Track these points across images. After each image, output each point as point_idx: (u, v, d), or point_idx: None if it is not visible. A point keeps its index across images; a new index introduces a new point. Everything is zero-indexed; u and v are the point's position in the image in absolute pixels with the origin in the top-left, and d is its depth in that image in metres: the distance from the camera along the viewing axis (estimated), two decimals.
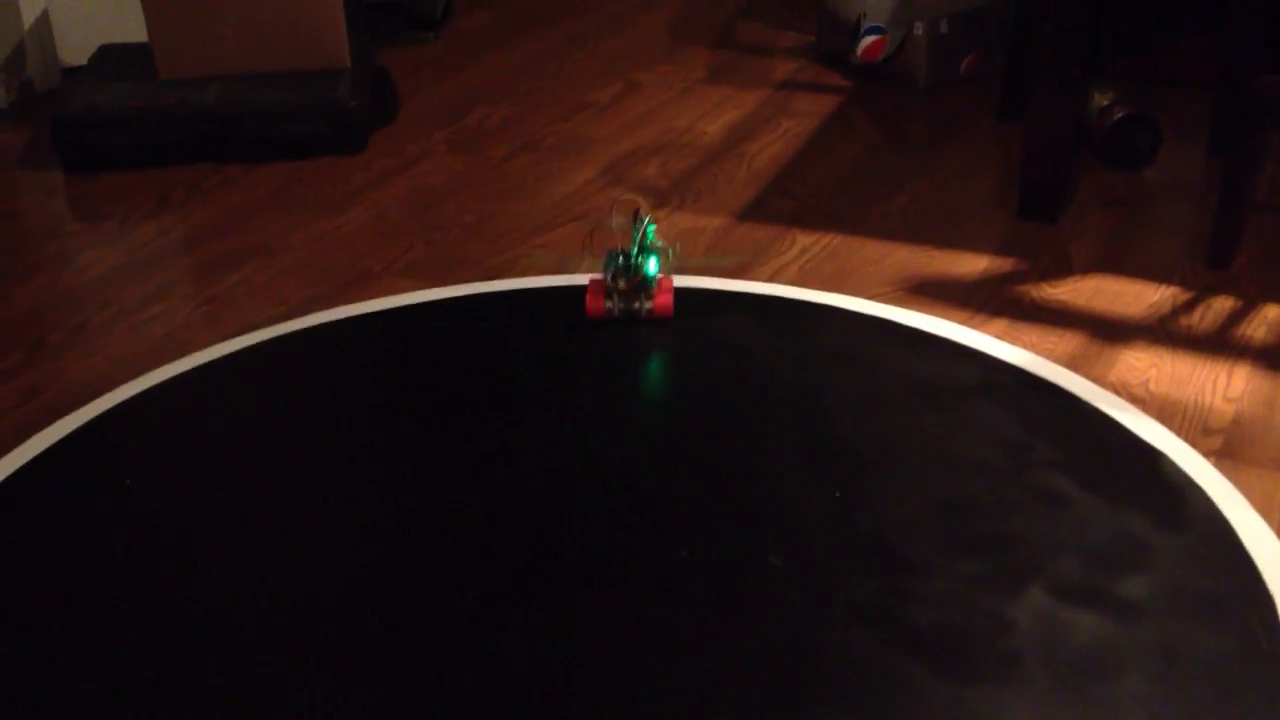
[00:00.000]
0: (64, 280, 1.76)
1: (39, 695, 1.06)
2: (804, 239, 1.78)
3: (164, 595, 1.17)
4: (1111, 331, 1.55)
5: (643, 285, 1.56)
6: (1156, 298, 1.61)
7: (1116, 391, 1.43)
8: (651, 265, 1.55)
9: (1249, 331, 1.54)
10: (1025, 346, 1.51)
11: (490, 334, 1.58)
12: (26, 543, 1.24)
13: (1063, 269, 1.69)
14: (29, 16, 2.31)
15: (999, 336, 1.53)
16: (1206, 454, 1.32)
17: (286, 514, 1.27)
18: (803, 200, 1.89)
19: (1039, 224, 1.79)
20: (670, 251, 1.58)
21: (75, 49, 2.34)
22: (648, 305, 1.56)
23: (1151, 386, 1.44)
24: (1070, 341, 1.53)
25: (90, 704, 1.05)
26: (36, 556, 1.22)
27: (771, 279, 1.68)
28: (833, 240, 1.78)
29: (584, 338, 1.55)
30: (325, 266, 1.77)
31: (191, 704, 1.05)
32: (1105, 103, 1.94)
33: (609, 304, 1.57)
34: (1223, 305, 1.59)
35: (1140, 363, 1.48)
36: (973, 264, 1.70)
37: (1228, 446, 1.34)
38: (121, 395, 1.48)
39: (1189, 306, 1.59)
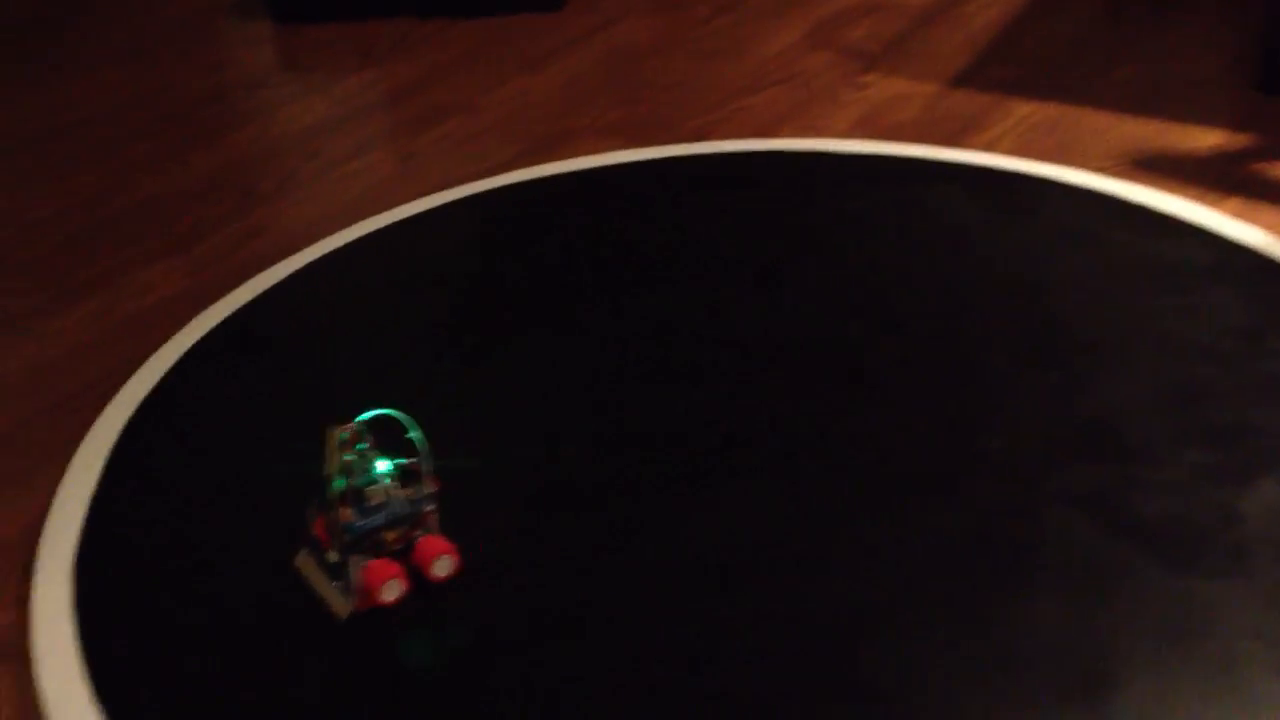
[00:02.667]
0: (273, 130, 1.79)
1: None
2: (1022, 108, 1.69)
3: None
4: None
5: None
6: None
7: None
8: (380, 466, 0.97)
9: None
10: (1262, 227, 1.42)
11: (692, 197, 1.54)
12: (246, 375, 1.28)
13: None
14: None
15: (1233, 216, 1.44)
16: None
17: (476, 372, 1.28)
18: (1022, 68, 1.80)
19: (1278, 97, 1.67)
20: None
21: None
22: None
23: None
24: None
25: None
26: (255, 387, 1.26)
27: (987, 149, 1.61)
28: (1053, 111, 1.68)
29: (789, 206, 1.51)
30: (525, 124, 1.75)
31: None
32: None
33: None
34: None
35: None
36: (1205, 139, 1.60)
37: None
38: (328, 246, 1.50)
39: None
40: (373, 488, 0.96)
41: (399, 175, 1.66)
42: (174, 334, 1.35)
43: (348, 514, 0.95)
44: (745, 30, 1.97)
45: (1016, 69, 1.79)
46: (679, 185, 1.57)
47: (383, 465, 0.97)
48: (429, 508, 0.99)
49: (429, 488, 0.98)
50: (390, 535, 0.97)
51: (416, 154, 1.71)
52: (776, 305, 1.33)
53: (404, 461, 0.97)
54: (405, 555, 0.99)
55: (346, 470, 0.95)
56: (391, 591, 0.97)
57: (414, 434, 0.98)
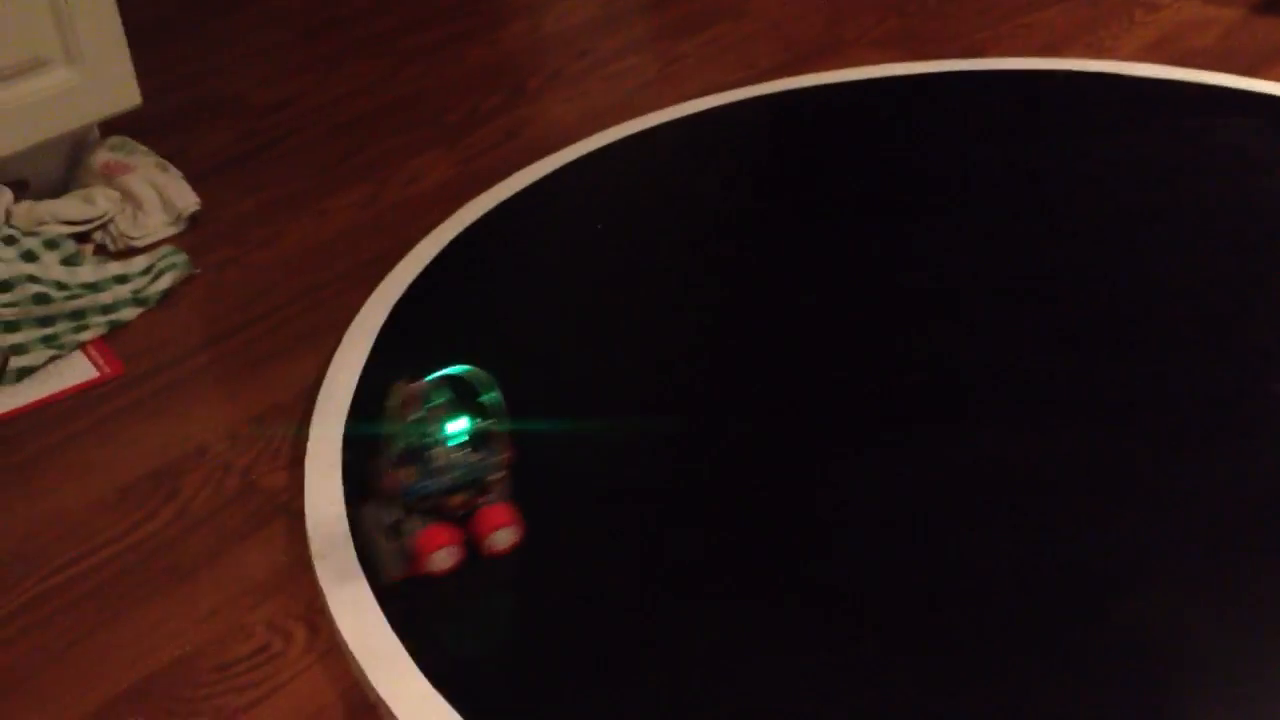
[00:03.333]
0: (543, 27, 1.80)
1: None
2: None
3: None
4: None
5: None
6: None
7: None
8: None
9: None
10: None
11: (964, 118, 1.48)
12: (500, 267, 1.29)
13: None
14: None
15: None
16: None
17: (709, 282, 1.26)
18: None
19: None
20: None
21: None
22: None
23: None
24: None
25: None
26: (505, 281, 1.27)
27: None
28: None
29: (1067, 129, 1.43)
30: (794, 33, 1.71)
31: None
32: None
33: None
34: None
35: None
36: None
37: None
38: (587, 147, 1.50)
39: None
40: (437, 449, 0.89)
41: (663, 78, 1.64)
42: (440, 222, 1.37)
43: (408, 474, 0.90)
44: None
45: None
46: (952, 103, 1.51)
47: (456, 426, 0.89)
48: (496, 475, 0.92)
49: (500, 454, 0.91)
50: (454, 500, 0.91)
51: (681, 57, 1.69)
52: (1026, 239, 1.27)
53: (481, 423, 0.90)
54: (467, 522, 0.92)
55: (411, 429, 0.89)
56: (441, 562, 0.91)
57: (487, 396, 0.91)
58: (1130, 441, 1.02)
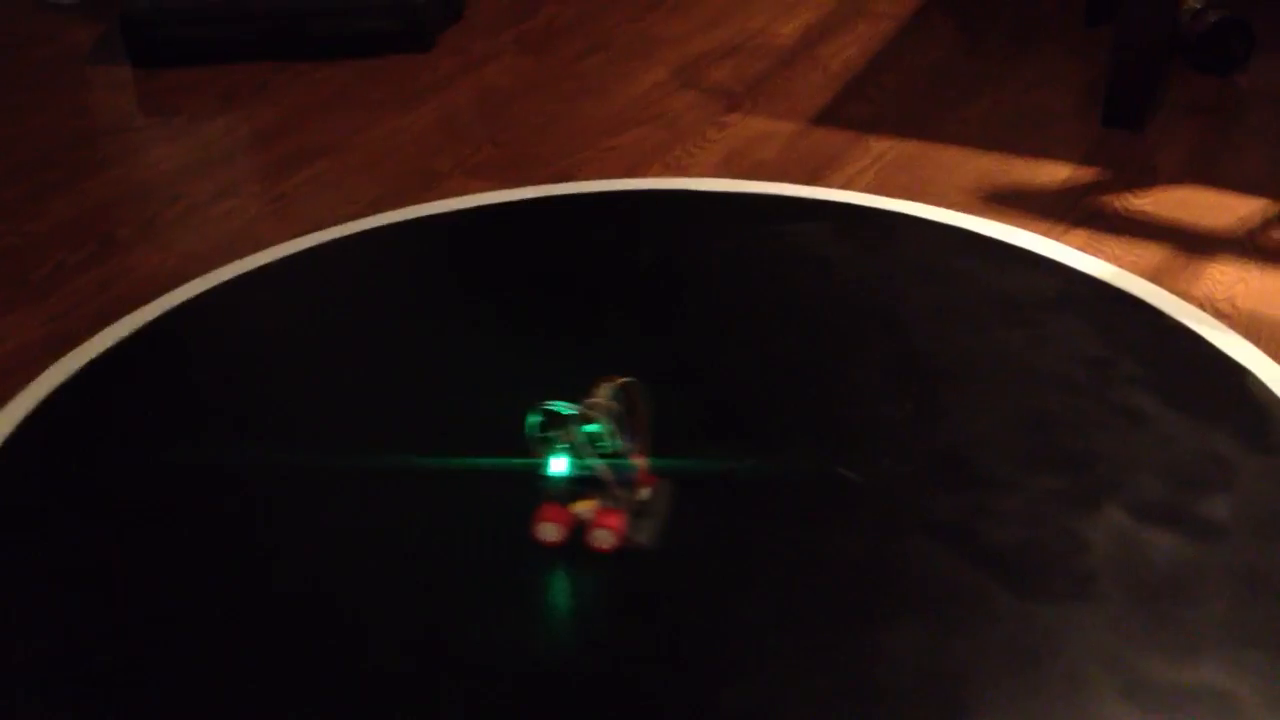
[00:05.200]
0: (134, 175, 1.76)
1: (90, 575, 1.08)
2: (879, 145, 1.74)
3: (225, 492, 1.17)
4: (1198, 244, 1.50)
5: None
6: (1245, 210, 1.56)
7: (1202, 306, 1.39)
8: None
9: None
10: (1108, 259, 1.47)
11: (559, 237, 1.56)
12: (96, 429, 1.25)
13: (1149, 179, 1.63)
14: None
15: (1081, 248, 1.49)
16: None
17: (346, 411, 1.27)
18: (879, 105, 1.85)
19: (1125, 132, 1.74)
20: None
21: None
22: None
23: (1238, 302, 1.40)
24: (1155, 254, 1.48)
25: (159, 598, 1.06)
26: (106, 442, 1.23)
27: (846, 186, 1.65)
28: (910, 147, 1.73)
29: (656, 242, 1.53)
30: (394, 166, 1.75)
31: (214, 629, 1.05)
32: (1198, 6, 1.86)
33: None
34: None
35: (1227, 277, 1.44)
36: (1055, 173, 1.66)
37: None
38: (193, 290, 1.48)
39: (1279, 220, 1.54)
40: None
41: (265, 217, 1.64)
42: (26, 384, 1.31)
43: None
44: (613, 70, 1.99)
45: (874, 107, 1.84)
46: (549, 224, 1.58)
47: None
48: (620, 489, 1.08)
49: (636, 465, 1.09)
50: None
51: (282, 196, 1.69)
52: (636, 342, 1.35)
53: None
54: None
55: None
56: (547, 534, 1.08)
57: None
58: (710, 525, 1.09)
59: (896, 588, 1.04)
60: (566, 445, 1.07)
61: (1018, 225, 1.54)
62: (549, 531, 1.08)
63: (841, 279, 1.44)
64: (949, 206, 1.58)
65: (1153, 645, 0.98)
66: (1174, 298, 1.40)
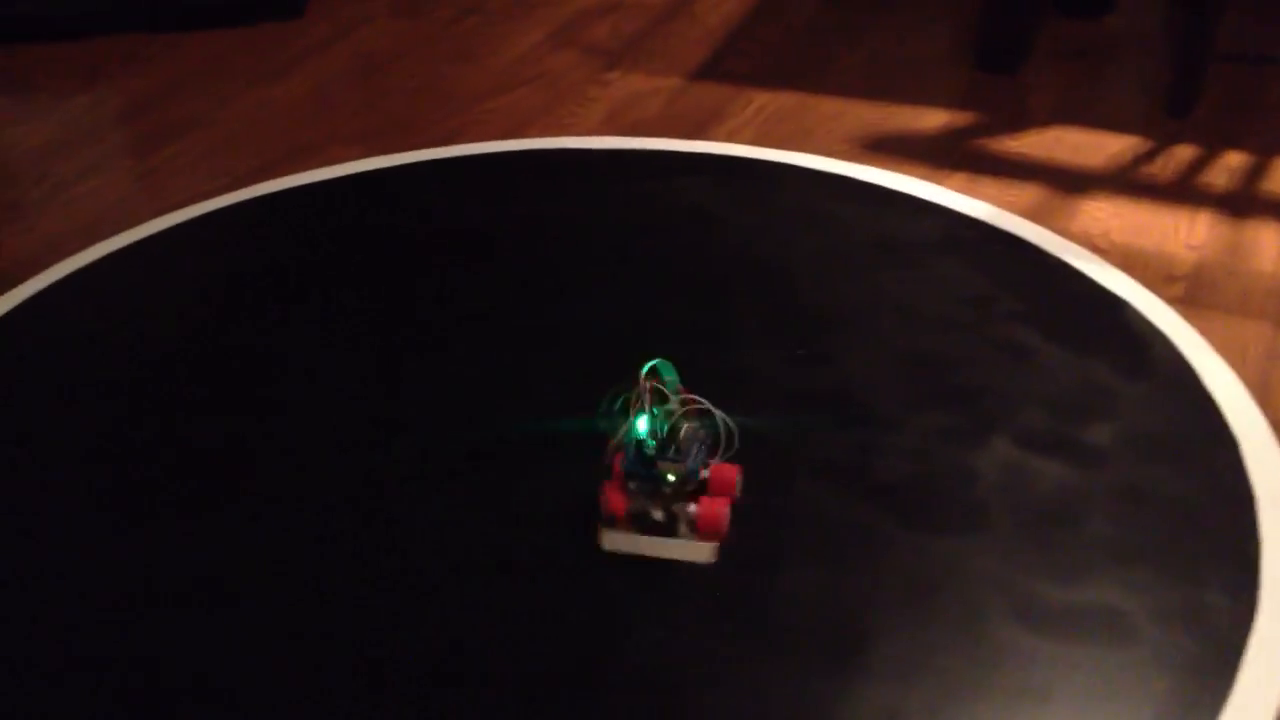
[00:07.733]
0: None
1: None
2: (760, 98, 1.74)
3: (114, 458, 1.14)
4: (1073, 182, 1.53)
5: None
6: (1118, 148, 1.59)
7: (1079, 242, 1.41)
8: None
9: (1210, 179, 1.52)
10: (986, 200, 1.49)
11: (442, 201, 1.53)
12: None
13: (1023, 121, 1.66)
14: None
15: (960, 190, 1.51)
16: (1169, 301, 1.31)
17: (232, 388, 1.24)
18: (757, 58, 1.85)
19: (998, 76, 1.76)
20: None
21: None
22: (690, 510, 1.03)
23: (1114, 236, 1.43)
24: (1032, 193, 1.51)
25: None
26: None
27: (728, 139, 1.65)
28: (790, 98, 1.74)
29: (538, 201, 1.51)
30: (268, 136, 1.71)
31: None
32: None
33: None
34: (1184, 154, 1.57)
35: (1102, 213, 1.47)
36: (932, 119, 1.67)
37: (1190, 293, 1.33)
38: (64, 270, 1.44)
39: (1150, 156, 1.57)
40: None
41: (135, 194, 1.59)
42: None
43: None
44: (490, 32, 1.97)
45: (753, 61, 1.84)
46: (427, 189, 1.56)
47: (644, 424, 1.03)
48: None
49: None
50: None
51: (152, 171, 1.64)
52: (523, 300, 1.33)
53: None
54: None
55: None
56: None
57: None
58: (584, 482, 1.09)
59: (791, 527, 1.04)
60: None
61: (898, 171, 1.55)
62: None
63: (726, 229, 1.44)
64: (831, 156, 1.59)
65: (1043, 568, 1.00)
66: (1052, 234, 1.42)
